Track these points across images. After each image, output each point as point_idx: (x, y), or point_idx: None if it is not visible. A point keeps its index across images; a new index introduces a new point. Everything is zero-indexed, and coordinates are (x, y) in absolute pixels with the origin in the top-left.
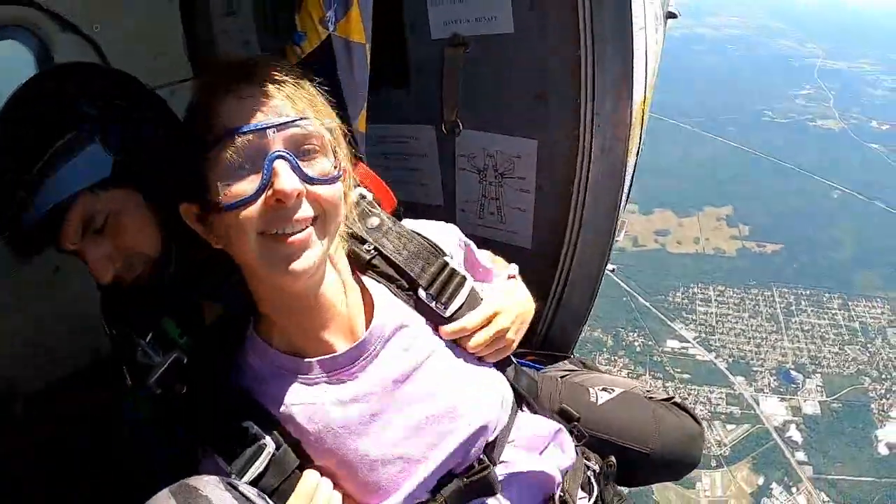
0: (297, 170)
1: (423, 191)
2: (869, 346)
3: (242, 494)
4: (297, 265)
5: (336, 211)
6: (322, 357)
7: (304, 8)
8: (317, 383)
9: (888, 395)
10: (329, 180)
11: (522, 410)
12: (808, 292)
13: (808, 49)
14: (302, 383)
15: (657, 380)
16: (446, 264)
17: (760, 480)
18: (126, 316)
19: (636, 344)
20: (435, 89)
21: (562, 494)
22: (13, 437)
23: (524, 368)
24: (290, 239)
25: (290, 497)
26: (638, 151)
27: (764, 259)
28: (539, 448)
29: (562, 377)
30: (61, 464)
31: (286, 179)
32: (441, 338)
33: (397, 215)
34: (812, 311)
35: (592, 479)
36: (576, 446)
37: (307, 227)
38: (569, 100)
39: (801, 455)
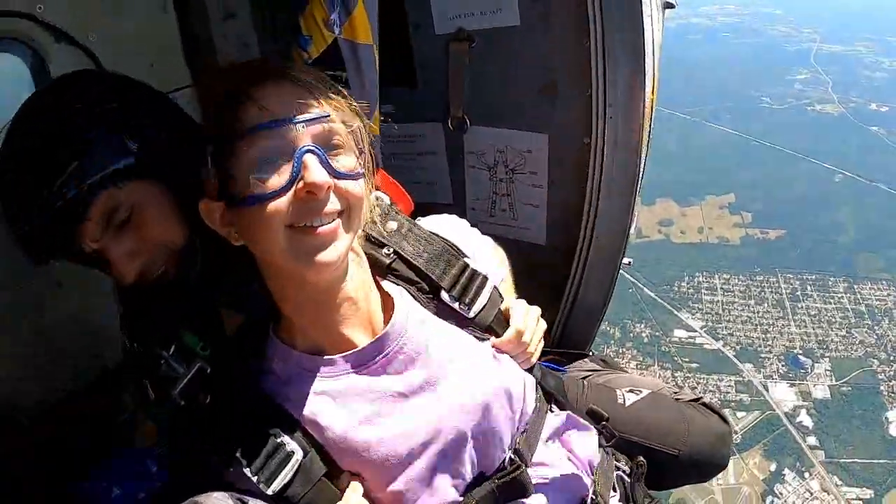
0: (325, 164)
1: (432, 189)
2: (876, 328)
3: None
4: (324, 256)
5: (360, 206)
6: (345, 353)
7: (308, 10)
8: (340, 378)
9: None
10: (354, 176)
11: (552, 410)
12: (813, 277)
13: (804, 34)
14: (326, 381)
15: (666, 370)
16: (467, 265)
17: (773, 466)
18: (147, 328)
19: (644, 335)
20: (441, 86)
21: (594, 497)
22: (13, 437)
23: (547, 369)
24: (319, 230)
25: None
26: (648, 142)
27: (768, 245)
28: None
29: (585, 377)
30: (61, 464)
31: (317, 172)
32: (464, 333)
33: (414, 217)
34: (818, 295)
35: (624, 479)
36: (605, 447)
37: (334, 219)
38: (579, 92)
39: (812, 440)
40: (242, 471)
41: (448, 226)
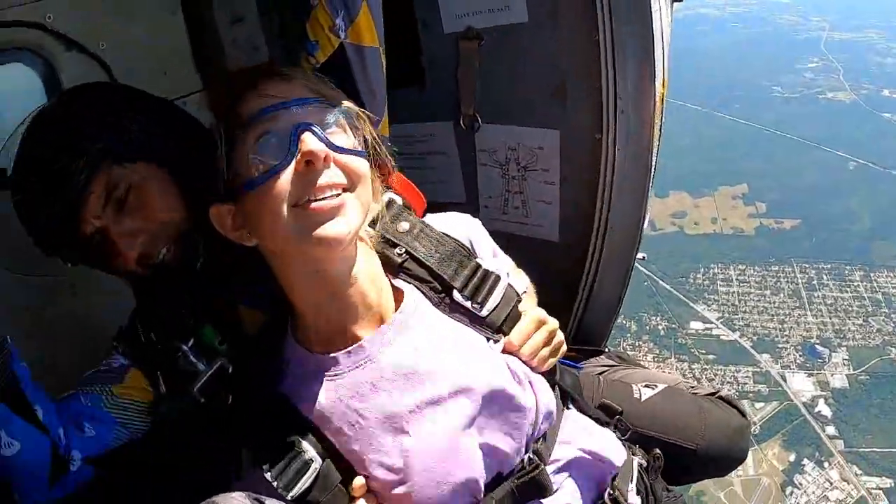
0: (322, 138)
1: (444, 188)
2: (893, 316)
3: None
4: (329, 229)
5: (364, 184)
6: (349, 348)
7: (313, 17)
8: (343, 376)
9: None
10: (354, 152)
11: (569, 408)
12: (828, 266)
13: (813, 22)
14: (338, 380)
15: (683, 362)
16: (479, 266)
17: (792, 457)
18: (164, 318)
19: (660, 328)
20: (451, 85)
21: (611, 492)
22: None
23: (563, 366)
24: (323, 203)
25: None
26: (660, 135)
27: (782, 235)
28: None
29: (600, 373)
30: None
31: (313, 142)
32: (470, 330)
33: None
34: (834, 284)
35: (641, 473)
36: (621, 440)
37: (339, 194)
38: (589, 86)
39: (831, 429)
40: (262, 475)
41: (462, 227)
